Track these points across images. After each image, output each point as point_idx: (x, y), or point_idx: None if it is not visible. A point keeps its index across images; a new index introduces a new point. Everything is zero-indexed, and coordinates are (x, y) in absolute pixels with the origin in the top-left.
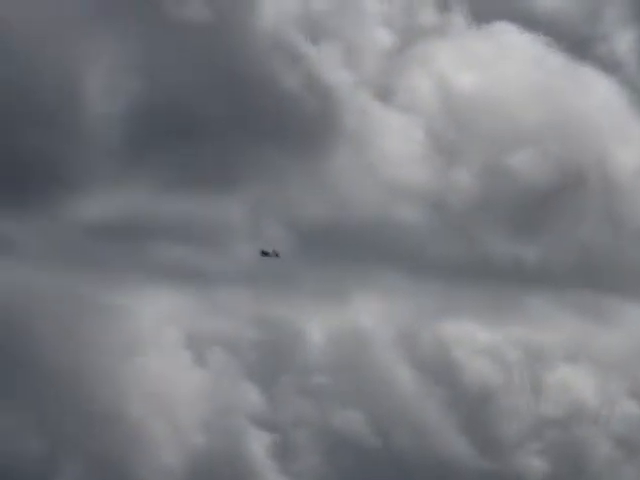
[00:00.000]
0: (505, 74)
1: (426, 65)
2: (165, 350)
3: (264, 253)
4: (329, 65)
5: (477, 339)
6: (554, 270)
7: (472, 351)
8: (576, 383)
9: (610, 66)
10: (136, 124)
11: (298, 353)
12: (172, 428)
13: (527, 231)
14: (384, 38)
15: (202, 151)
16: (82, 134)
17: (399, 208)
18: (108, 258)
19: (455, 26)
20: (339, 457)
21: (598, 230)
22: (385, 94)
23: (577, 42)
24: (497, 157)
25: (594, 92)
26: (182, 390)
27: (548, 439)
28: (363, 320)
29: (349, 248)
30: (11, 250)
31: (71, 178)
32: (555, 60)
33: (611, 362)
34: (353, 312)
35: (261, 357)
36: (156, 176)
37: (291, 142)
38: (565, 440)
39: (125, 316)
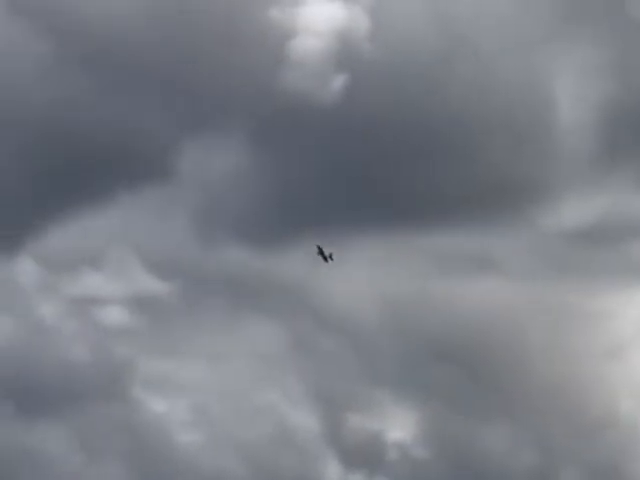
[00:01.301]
0: None
1: None
2: None
3: (320, 250)
4: None
5: None
6: None
7: None
8: None
9: None
10: (609, 126)
11: None
12: None
13: None
14: None
15: None
16: (555, 142)
17: None
18: (588, 263)
19: None
20: None
21: None
22: None
23: None
24: None
25: None
26: None
27: None
28: None
29: None
30: (494, 268)
31: (548, 188)
32: None
33: None
34: None
35: None
36: (631, 176)
37: None
38: None
39: (609, 319)
